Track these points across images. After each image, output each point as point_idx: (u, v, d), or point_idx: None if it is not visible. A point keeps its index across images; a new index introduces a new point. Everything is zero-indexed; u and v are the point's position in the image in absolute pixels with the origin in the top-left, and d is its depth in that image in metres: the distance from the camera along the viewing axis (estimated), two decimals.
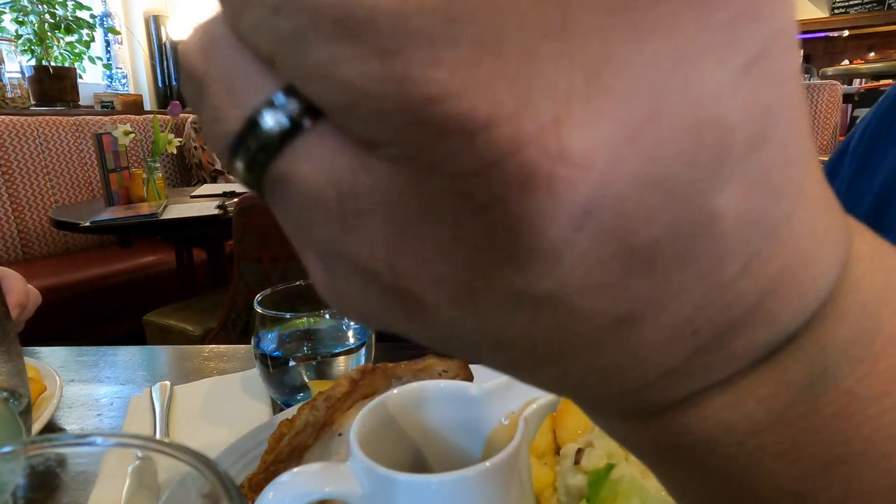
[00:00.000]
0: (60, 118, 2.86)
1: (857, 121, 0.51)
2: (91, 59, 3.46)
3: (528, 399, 0.30)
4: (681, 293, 0.11)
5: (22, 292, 0.51)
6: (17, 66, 3.12)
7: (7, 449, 0.21)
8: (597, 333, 0.11)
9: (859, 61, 4.57)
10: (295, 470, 0.27)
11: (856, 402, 0.12)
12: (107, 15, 3.77)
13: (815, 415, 0.12)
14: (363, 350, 0.57)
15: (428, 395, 0.31)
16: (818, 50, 4.69)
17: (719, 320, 0.11)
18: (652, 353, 0.12)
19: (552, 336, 0.11)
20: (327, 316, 0.56)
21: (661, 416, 0.13)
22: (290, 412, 0.47)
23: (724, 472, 0.13)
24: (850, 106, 3.77)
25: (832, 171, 0.50)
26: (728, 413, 0.12)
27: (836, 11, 4.42)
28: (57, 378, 0.61)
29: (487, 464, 0.26)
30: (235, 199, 1.79)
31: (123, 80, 3.97)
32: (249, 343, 0.58)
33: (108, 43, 3.86)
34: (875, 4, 4.28)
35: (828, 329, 0.12)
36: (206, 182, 3.11)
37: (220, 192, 2.44)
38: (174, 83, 4.11)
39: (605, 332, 0.11)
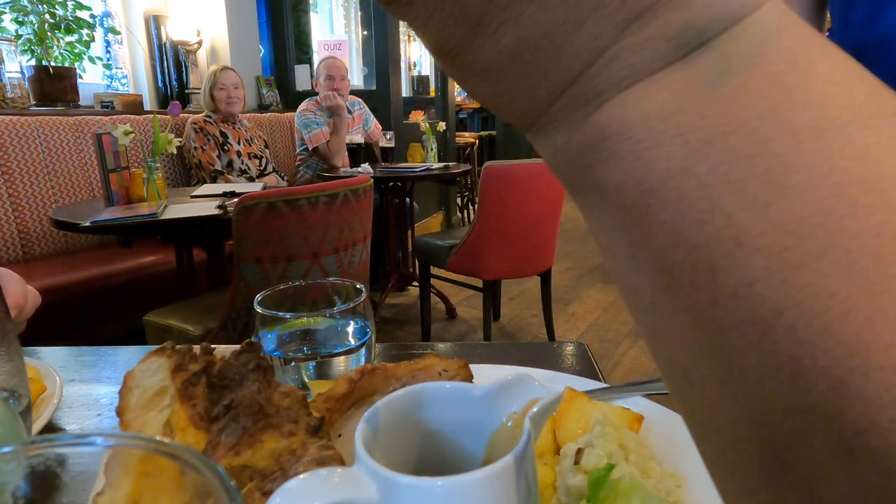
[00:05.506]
0: (60, 118, 2.86)
1: None
2: (91, 59, 3.45)
3: (530, 399, 0.29)
4: None
5: (19, 293, 0.51)
6: (17, 66, 3.12)
7: (7, 449, 0.21)
8: None
9: None
10: (303, 476, 0.26)
11: (742, 94, 0.14)
12: (107, 15, 3.77)
13: (710, 102, 0.15)
14: (363, 350, 0.56)
15: (429, 396, 0.31)
16: None
17: None
18: (589, 16, 0.14)
19: None
20: (327, 316, 0.56)
21: (593, 107, 0.16)
22: None
23: (632, 157, 0.15)
24: None
25: None
26: (646, 102, 0.15)
27: None
28: (57, 378, 0.61)
29: (494, 466, 0.25)
30: (235, 199, 1.79)
31: (123, 80, 3.97)
32: None
33: (108, 43, 3.86)
34: None
35: (733, 42, 0.15)
36: (206, 182, 3.11)
37: (220, 192, 2.45)
38: (174, 83, 4.11)
39: None
